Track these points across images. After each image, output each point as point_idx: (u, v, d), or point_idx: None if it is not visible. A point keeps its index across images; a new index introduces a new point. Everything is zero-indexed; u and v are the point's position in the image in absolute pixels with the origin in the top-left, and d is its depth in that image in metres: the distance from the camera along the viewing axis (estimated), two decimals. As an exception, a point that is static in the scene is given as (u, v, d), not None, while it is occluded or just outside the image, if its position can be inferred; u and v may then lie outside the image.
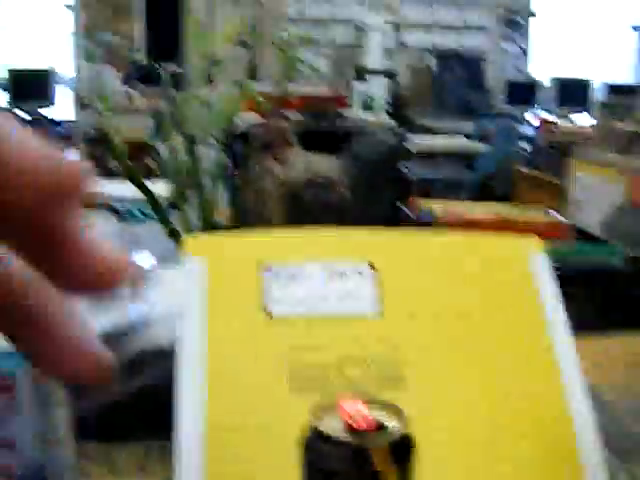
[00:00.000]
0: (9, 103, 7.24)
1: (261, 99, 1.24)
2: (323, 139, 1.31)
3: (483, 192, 5.88)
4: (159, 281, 1.07)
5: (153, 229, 2.02)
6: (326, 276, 0.86)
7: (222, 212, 1.35)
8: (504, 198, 5.50)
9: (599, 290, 1.30)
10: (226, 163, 1.30)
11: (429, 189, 5.72)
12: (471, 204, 1.72)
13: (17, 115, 6.70)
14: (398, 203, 1.37)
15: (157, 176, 2.78)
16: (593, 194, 1.80)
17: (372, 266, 0.88)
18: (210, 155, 1.30)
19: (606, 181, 1.75)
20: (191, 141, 1.21)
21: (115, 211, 2.18)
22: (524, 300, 0.93)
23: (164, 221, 1.20)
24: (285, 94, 1.22)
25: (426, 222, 1.52)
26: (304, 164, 1.19)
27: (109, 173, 2.80)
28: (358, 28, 8.39)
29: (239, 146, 1.40)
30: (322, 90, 1.61)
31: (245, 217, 1.22)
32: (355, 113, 4.34)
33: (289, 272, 0.85)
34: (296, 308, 0.83)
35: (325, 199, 1.17)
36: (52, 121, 7.39)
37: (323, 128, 1.15)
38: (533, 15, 9.06)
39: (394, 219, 1.37)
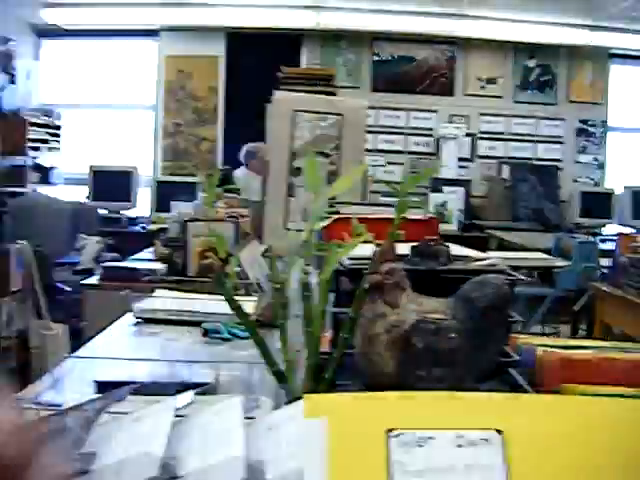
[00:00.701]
0: (87, 198, 7.39)
1: (369, 237, 1.22)
2: (433, 280, 1.27)
3: (563, 309, 5.78)
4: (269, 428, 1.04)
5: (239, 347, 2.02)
6: (454, 444, 0.81)
7: (324, 341, 1.33)
8: (584, 314, 5.41)
9: None
10: (329, 299, 1.28)
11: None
12: (568, 340, 1.66)
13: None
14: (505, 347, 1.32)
15: (237, 289, 2.80)
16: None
17: (500, 433, 0.84)
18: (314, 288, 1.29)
19: None
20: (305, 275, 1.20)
21: (202, 328, 2.18)
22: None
23: (269, 360, 1.17)
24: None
25: (529, 364, 1.46)
26: (415, 308, 1.15)
27: (188, 280, 2.84)
28: (435, 138, 8.51)
29: (346, 283, 1.38)
30: (413, 213, 1.60)
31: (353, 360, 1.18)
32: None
33: (416, 439, 0.81)
34: (423, 479, 0.79)
35: (436, 345, 1.13)
36: (130, 220, 7.52)
37: (433, 269, 1.14)
38: (608, 127, 9.05)
39: (502, 365, 1.31)
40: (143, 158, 8.36)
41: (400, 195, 1.17)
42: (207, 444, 0.99)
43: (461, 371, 1.15)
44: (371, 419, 0.84)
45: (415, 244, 1.33)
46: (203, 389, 1.34)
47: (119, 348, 1.99)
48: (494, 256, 1.50)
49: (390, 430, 0.82)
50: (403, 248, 1.34)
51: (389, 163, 8.47)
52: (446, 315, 1.15)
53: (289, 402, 1.14)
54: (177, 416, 1.09)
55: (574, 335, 5.72)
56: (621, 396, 1.21)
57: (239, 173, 7.08)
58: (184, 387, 1.31)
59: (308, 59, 8.41)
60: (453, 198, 7.90)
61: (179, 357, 1.63)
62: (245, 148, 6.81)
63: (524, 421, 0.87)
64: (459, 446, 0.82)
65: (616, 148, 9.22)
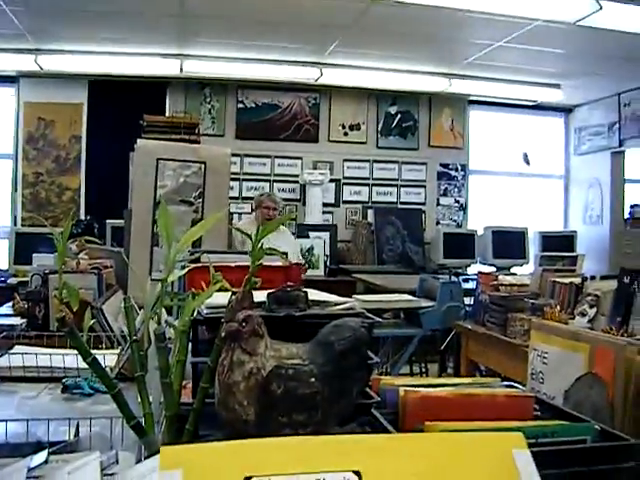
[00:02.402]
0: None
1: (227, 286, 1.22)
2: (292, 326, 1.28)
3: (431, 348, 5.90)
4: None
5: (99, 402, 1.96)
6: (312, 489, 0.82)
7: (185, 393, 1.31)
8: (452, 352, 5.54)
9: (573, 469, 1.28)
10: (187, 348, 1.27)
11: (377, 347, 5.74)
12: (430, 379, 1.69)
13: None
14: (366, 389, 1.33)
15: (100, 342, 2.73)
16: (553, 365, 1.80)
17: (358, 474, 0.85)
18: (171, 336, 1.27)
19: (565, 352, 1.76)
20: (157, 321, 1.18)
21: (62, 384, 2.10)
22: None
23: (126, 414, 1.14)
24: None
25: (392, 404, 1.48)
26: (273, 354, 1.15)
27: (48, 334, 2.74)
28: (300, 184, 8.62)
29: (204, 332, 1.37)
30: (274, 260, 1.60)
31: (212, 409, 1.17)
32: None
33: (274, 486, 0.81)
34: (282, 526, 0.79)
35: (295, 390, 1.13)
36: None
37: (291, 315, 1.14)
38: (469, 170, 9.39)
39: (364, 407, 1.32)
40: (1, 209, 8.08)
41: (255, 243, 1.18)
42: (62, 505, 0.96)
43: (322, 415, 1.15)
44: (229, 468, 0.83)
45: (272, 291, 1.34)
46: (60, 447, 1.30)
47: (-28, 409, 1.90)
48: (354, 300, 1.52)
49: (248, 478, 0.82)
50: (261, 295, 1.34)
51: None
52: (304, 360, 1.16)
53: (149, 456, 1.12)
54: (31, 477, 1.05)
55: (442, 374, 5.85)
56: (479, 430, 1.24)
57: (241, 223, 7.24)
58: (40, 447, 1.26)
59: (173, 106, 8.36)
60: (319, 243, 8.00)
61: (37, 415, 1.57)
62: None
63: (382, 461, 0.89)
64: (318, 490, 0.83)
65: (476, 190, 9.58)
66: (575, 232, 9.00)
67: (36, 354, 2.24)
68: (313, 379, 1.14)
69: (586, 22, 5.95)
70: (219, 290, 1.23)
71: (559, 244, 8.46)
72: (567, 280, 4.24)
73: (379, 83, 8.58)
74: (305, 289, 1.40)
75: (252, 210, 7.00)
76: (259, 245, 1.18)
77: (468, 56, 7.50)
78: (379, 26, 6.55)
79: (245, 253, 1.28)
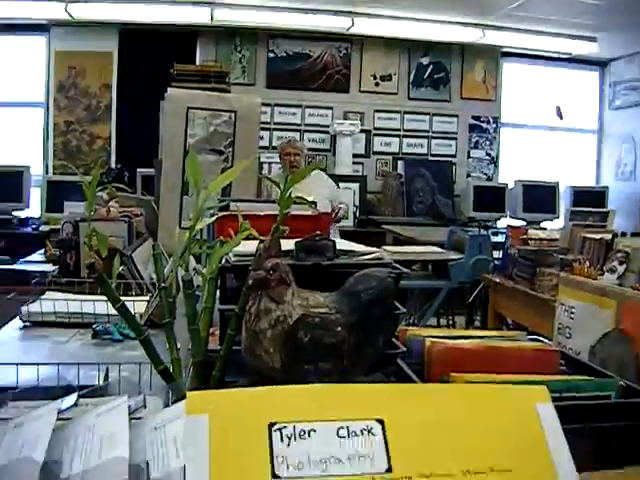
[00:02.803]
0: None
1: (255, 234, 1.23)
2: (319, 275, 1.28)
3: (458, 301, 5.90)
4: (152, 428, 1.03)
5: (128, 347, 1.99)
6: (335, 436, 0.82)
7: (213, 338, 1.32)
8: (479, 306, 5.54)
9: (596, 424, 1.28)
10: (214, 296, 1.28)
11: (405, 299, 5.75)
12: (457, 331, 1.70)
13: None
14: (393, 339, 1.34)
15: (130, 289, 2.76)
16: (580, 320, 1.79)
17: (381, 422, 0.85)
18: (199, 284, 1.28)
19: (592, 308, 1.75)
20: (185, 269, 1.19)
21: (92, 330, 2.14)
22: (534, 451, 0.91)
23: (154, 360, 1.16)
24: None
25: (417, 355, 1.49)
26: (300, 303, 1.16)
27: (79, 281, 2.77)
28: (330, 134, 8.58)
29: (232, 280, 1.38)
30: (302, 209, 1.60)
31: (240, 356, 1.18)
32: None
33: (297, 432, 0.82)
34: (305, 471, 0.80)
35: (321, 339, 1.14)
36: (21, 221, 7.30)
37: (318, 264, 1.14)
38: (500, 123, 9.29)
39: (390, 357, 1.33)
40: (33, 157, 8.12)
41: (282, 191, 1.18)
42: (91, 446, 0.98)
43: (348, 363, 1.16)
44: (253, 414, 0.84)
45: (299, 240, 1.34)
46: (90, 391, 1.32)
47: (5, 353, 1.94)
48: (382, 250, 1.52)
49: (272, 424, 0.83)
50: (290, 244, 1.34)
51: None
52: (331, 309, 1.16)
53: (176, 401, 1.14)
54: (61, 419, 1.07)
55: (469, 327, 5.86)
56: (504, 383, 1.25)
57: (273, 173, 7.17)
58: (70, 390, 1.29)
59: (203, 56, 8.33)
60: (349, 194, 7.98)
61: (67, 360, 1.59)
62: None
63: (405, 410, 0.89)
64: (341, 437, 0.84)
65: (508, 143, 9.48)
66: (607, 188, 8.90)
67: (67, 300, 2.27)
68: (339, 328, 1.15)
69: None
70: (247, 238, 1.24)
71: (590, 199, 8.38)
72: (597, 236, 4.20)
73: (411, 33, 8.46)
74: (333, 238, 1.41)
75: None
76: (287, 194, 1.18)
77: (502, 6, 7.36)
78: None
79: (274, 202, 1.28)
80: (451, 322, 6.45)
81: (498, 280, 4.66)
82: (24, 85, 8.25)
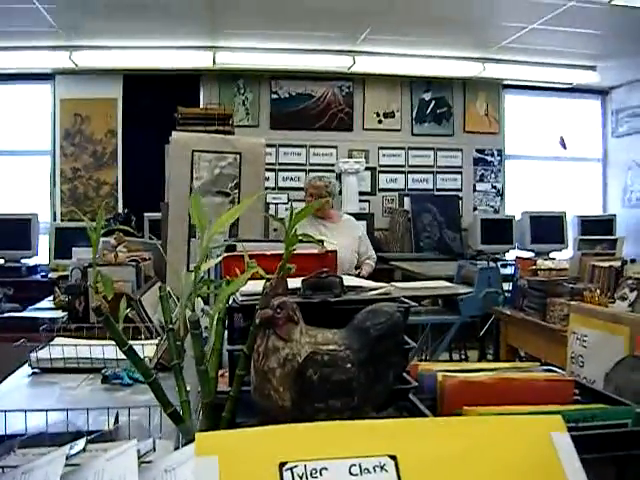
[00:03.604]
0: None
1: (262, 272, 1.22)
2: (327, 312, 1.28)
3: (470, 335, 5.87)
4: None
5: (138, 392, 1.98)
6: (348, 473, 0.81)
7: (223, 381, 1.31)
8: (491, 339, 5.51)
9: (614, 453, 1.26)
10: (222, 336, 1.27)
11: (417, 334, 5.72)
12: (469, 364, 1.68)
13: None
14: (404, 374, 1.32)
15: (139, 333, 2.75)
16: (593, 348, 1.78)
17: (394, 459, 0.84)
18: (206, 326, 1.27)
19: (605, 335, 1.73)
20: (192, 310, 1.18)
21: (102, 374, 2.13)
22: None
23: (163, 402, 1.15)
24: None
25: (430, 390, 1.48)
26: (308, 340, 1.15)
27: (88, 326, 2.77)
28: (336, 173, 8.59)
29: (237, 318, 1.37)
30: (309, 248, 1.59)
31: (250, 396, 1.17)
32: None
33: (309, 471, 0.81)
34: (318, 510, 0.79)
35: (331, 376, 1.13)
36: (30, 268, 7.31)
37: (326, 301, 1.13)
38: (505, 155, 9.32)
39: (401, 392, 1.32)
40: (41, 205, 8.16)
41: (288, 230, 1.17)
42: (101, 491, 0.97)
43: (358, 400, 1.15)
44: (263, 454, 0.83)
45: (306, 277, 1.34)
46: (99, 436, 1.31)
47: (14, 400, 1.93)
48: (390, 285, 1.51)
49: (283, 464, 0.82)
50: (297, 283, 1.34)
51: (291, 200, 8.49)
52: (340, 346, 1.15)
53: (187, 443, 1.12)
54: (70, 465, 1.06)
55: (481, 360, 5.82)
56: (518, 414, 1.23)
57: None
58: (79, 436, 1.28)
59: (207, 99, 8.39)
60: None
61: (76, 405, 1.58)
62: None
63: (417, 445, 0.88)
64: (353, 474, 0.82)
65: (513, 175, 9.49)
66: (614, 215, 8.88)
67: (76, 345, 2.27)
68: (349, 364, 1.14)
69: (621, 1, 5.85)
70: (255, 279, 1.24)
71: (598, 228, 8.37)
72: (607, 264, 4.19)
73: (412, 69, 8.52)
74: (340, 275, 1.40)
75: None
76: (292, 231, 1.18)
77: (501, 40, 7.41)
78: (411, 12, 6.52)
79: (281, 241, 1.27)
80: (463, 356, 6.41)
81: (509, 312, 4.64)
82: (30, 133, 8.33)
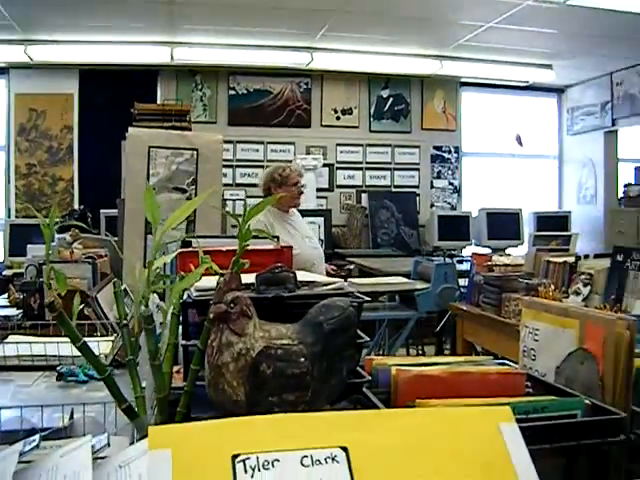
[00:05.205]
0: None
1: (216, 268, 1.23)
2: (281, 307, 1.29)
3: (428, 330, 5.92)
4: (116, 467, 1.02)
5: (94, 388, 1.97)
6: (300, 465, 0.82)
7: (177, 378, 1.32)
8: (448, 334, 5.56)
9: (563, 443, 1.29)
10: (177, 331, 1.27)
11: (373, 329, 5.76)
12: (423, 359, 1.70)
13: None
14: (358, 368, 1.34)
15: (95, 330, 2.73)
16: (544, 342, 1.80)
17: (345, 450, 0.85)
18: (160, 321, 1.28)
19: (556, 329, 1.76)
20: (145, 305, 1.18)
21: (57, 372, 2.11)
22: (500, 472, 0.91)
23: (118, 398, 1.15)
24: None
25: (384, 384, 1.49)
26: (262, 335, 1.16)
27: (42, 323, 2.74)
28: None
29: (191, 314, 1.38)
30: (264, 243, 1.60)
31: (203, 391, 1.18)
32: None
33: (261, 463, 0.82)
34: (270, 502, 0.80)
35: (285, 371, 1.14)
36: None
37: (279, 296, 1.14)
38: (462, 152, 9.40)
39: (355, 385, 1.33)
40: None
41: (242, 224, 1.18)
42: (54, 487, 0.97)
43: (312, 394, 1.16)
44: (216, 446, 0.84)
45: (260, 272, 1.34)
46: (53, 432, 1.31)
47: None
48: (348, 282, 1.53)
49: (235, 456, 0.83)
50: (251, 278, 1.35)
51: (249, 197, 8.48)
52: (293, 340, 1.16)
53: (141, 438, 1.12)
54: (23, 462, 1.06)
55: (438, 355, 5.87)
56: (469, 406, 1.25)
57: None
58: (33, 433, 1.27)
59: (164, 94, 8.34)
60: (314, 228, 8.00)
61: (31, 403, 1.58)
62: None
63: (368, 436, 0.89)
64: (305, 466, 0.84)
65: (470, 172, 9.59)
66: (569, 212, 9.02)
67: (30, 343, 2.25)
68: (302, 359, 1.15)
69: (576, 1, 5.93)
70: (210, 274, 1.24)
71: (553, 224, 8.50)
72: (561, 259, 4.25)
73: (370, 67, 8.56)
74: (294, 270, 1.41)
75: (267, 192, 5.06)
76: (245, 226, 1.19)
77: (459, 38, 7.48)
78: (368, 9, 6.54)
79: (235, 237, 1.28)
80: (421, 352, 6.46)
81: (465, 308, 4.69)
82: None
